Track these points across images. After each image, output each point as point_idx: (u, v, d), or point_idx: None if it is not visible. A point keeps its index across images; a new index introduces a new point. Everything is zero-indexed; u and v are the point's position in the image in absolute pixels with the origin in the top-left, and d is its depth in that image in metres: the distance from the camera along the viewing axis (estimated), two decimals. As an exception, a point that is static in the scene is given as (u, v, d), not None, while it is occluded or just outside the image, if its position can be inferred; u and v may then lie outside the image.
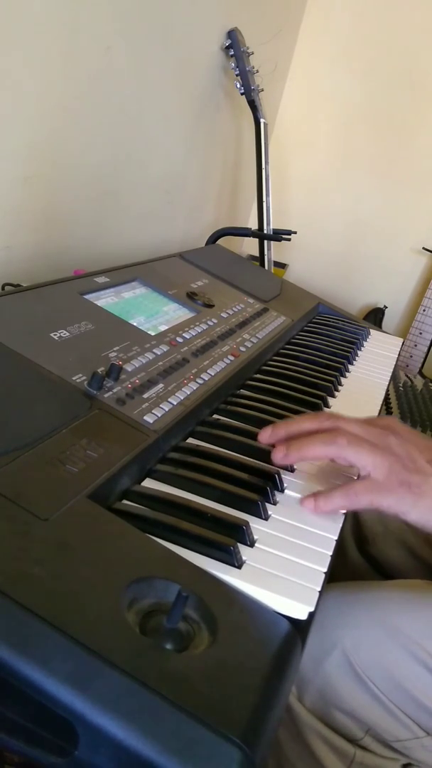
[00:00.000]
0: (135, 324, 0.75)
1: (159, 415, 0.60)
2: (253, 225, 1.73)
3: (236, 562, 0.46)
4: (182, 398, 0.65)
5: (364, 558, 0.97)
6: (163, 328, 0.78)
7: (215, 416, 0.70)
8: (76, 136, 1.07)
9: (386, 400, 1.25)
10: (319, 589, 0.46)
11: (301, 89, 2.06)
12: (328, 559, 0.51)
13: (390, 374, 1.03)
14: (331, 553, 0.51)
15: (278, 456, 0.57)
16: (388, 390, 1.15)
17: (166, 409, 0.61)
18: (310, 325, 1.15)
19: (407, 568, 0.89)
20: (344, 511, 0.58)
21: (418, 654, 0.65)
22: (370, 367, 1.03)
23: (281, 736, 0.70)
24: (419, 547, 0.92)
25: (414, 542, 0.92)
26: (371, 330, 1.23)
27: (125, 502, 0.50)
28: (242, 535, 0.49)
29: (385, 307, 2.07)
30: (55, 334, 0.64)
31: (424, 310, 1.91)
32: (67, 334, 0.65)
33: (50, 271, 1.07)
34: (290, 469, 0.62)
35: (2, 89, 0.88)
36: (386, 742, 0.68)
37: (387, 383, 0.99)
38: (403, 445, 0.57)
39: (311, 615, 0.44)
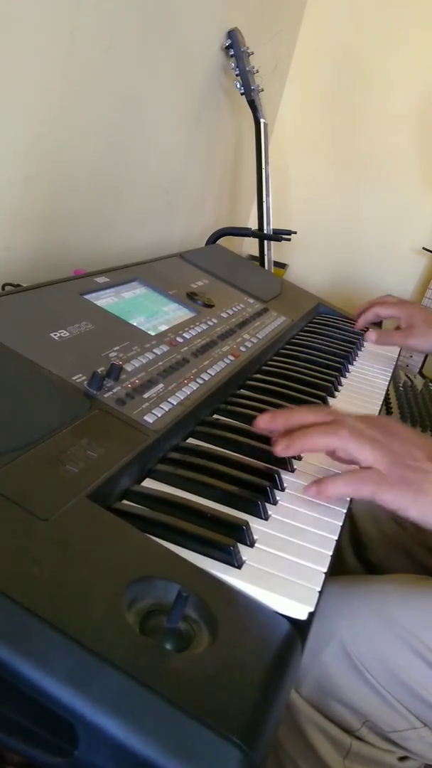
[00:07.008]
0: (135, 324, 0.75)
1: (159, 415, 0.60)
2: (253, 225, 1.73)
3: (236, 562, 0.46)
4: (182, 398, 0.65)
5: (362, 564, 0.97)
6: (163, 328, 0.78)
7: (215, 416, 0.70)
8: (76, 135, 1.07)
9: (386, 400, 1.25)
10: (319, 589, 0.46)
11: (301, 89, 2.06)
12: (328, 559, 0.51)
13: (390, 374, 1.04)
14: (331, 553, 0.51)
15: (279, 448, 0.56)
16: (388, 390, 1.15)
17: (166, 409, 0.61)
18: (310, 325, 1.15)
19: (405, 573, 0.89)
20: (345, 509, 0.58)
21: (414, 645, 0.65)
22: (370, 367, 1.03)
23: None
24: (417, 552, 0.92)
25: (411, 546, 0.92)
26: (371, 330, 1.23)
27: (125, 502, 0.50)
28: (242, 535, 0.49)
29: (386, 307, 2.07)
30: (55, 334, 0.64)
31: (424, 310, 1.91)
32: (67, 334, 0.65)
33: (50, 271, 1.07)
34: (290, 470, 0.62)
35: (2, 89, 0.88)
36: (383, 733, 0.68)
37: (387, 383, 0.99)
38: (403, 442, 0.57)
39: (311, 615, 0.44)
